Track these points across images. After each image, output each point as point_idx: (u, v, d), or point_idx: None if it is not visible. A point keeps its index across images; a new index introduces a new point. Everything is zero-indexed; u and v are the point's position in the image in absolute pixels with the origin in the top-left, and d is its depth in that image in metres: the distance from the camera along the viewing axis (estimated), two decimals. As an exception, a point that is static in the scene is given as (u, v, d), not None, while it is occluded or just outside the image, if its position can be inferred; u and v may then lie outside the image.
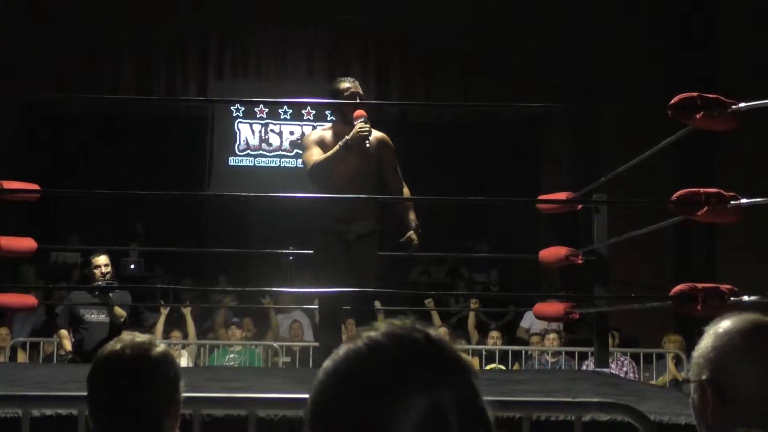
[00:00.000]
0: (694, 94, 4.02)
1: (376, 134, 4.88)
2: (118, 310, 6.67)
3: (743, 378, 1.41)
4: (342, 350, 0.93)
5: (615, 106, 11.78)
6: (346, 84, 4.97)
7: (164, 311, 8.35)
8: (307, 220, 5.02)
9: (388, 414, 0.87)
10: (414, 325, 0.94)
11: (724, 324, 1.49)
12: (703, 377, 1.46)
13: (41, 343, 8.32)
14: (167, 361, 1.91)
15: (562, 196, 5.98)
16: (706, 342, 1.49)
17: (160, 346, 1.93)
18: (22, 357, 8.38)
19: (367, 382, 0.89)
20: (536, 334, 8.97)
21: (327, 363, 0.93)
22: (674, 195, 4.17)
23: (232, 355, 8.24)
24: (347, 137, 4.71)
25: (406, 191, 5.08)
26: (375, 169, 4.95)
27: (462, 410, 0.89)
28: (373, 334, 0.93)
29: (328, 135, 4.91)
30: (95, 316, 6.74)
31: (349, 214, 4.81)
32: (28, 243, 5.79)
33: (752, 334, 1.45)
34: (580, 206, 6.36)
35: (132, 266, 11.80)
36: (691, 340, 8.65)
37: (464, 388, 0.91)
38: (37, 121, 12.45)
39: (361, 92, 4.97)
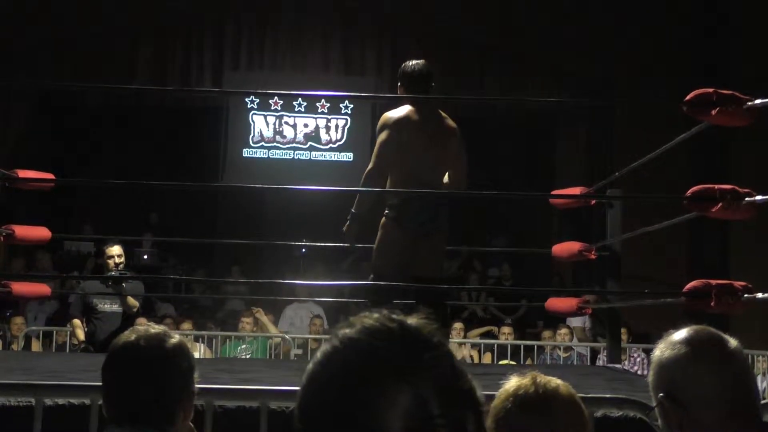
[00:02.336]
0: (710, 90, 4.00)
1: None
2: (131, 300, 6.70)
3: (696, 386, 1.41)
4: (319, 351, 0.94)
5: (630, 102, 11.74)
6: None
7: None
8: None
9: (370, 409, 0.87)
10: (388, 315, 0.94)
11: (673, 338, 1.49)
12: (658, 396, 1.46)
13: (54, 332, 8.37)
14: (181, 352, 1.92)
15: (576, 191, 5.97)
16: (657, 361, 1.49)
17: (175, 337, 1.94)
18: (36, 346, 8.43)
19: (345, 380, 0.89)
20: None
21: (308, 366, 0.94)
22: (689, 191, 4.15)
23: (244, 346, 8.27)
24: None
25: None
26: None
27: (444, 394, 0.88)
28: (347, 330, 0.93)
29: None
30: (108, 306, 6.78)
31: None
32: (42, 232, 5.82)
33: (699, 343, 1.45)
34: (593, 201, 6.34)
35: (145, 256, 11.84)
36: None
37: (443, 373, 0.90)
38: (52, 111, 12.50)
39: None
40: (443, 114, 4.83)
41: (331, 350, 0.92)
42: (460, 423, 0.89)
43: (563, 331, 8.64)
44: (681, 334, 1.50)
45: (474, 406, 0.92)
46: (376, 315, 0.94)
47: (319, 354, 0.94)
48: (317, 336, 8.69)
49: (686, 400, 1.42)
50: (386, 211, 4.65)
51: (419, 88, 4.65)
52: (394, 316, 0.94)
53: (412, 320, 0.93)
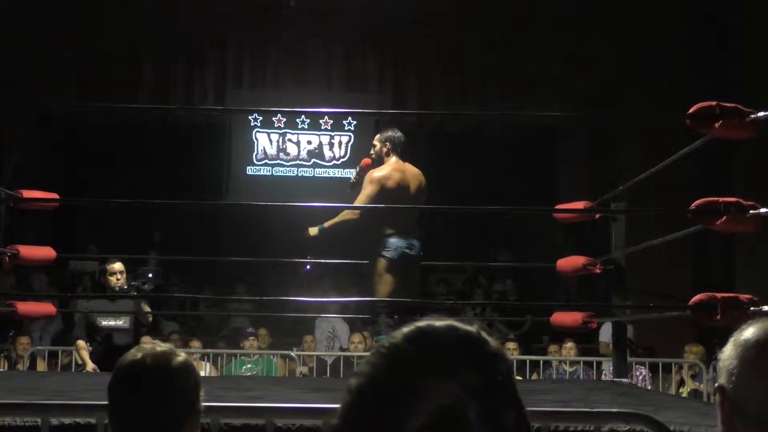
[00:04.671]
0: (713, 103, 4.00)
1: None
2: (145, 308, 6.74)
3: (752, 392, 1.41)
4: (378, 345, 0.97)
5: (633, 115, 11.74)
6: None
7: None
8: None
9: (412, 395, 0.90)
10: (445, 319, 0.97)
11: (746, 333, 1.48)
12: (717, 384, 1.46)
13: (59, 352, 8.36)
14: (187, 370, 1.92)
15: (579, 205, 5.96)
16: (727, 348, 1.48)
17: (181, 355, 1.94)
18: (41, 366, 8.42)
19: (393, 373, 0.93)
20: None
21: (372, 350, 0.97)
22: (693, 204, 4.15)
23: (249, 365, 8.25)
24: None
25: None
26: None
27: (487, 390, 0.92)
28: (404, 329, 0.97)
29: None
30: (112, 322, 6.77)
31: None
32: (47, 252, 5.82)
33: (759, 344, 1.44)
34: (598, 215, 6.33)
35: (150, 275, 11.83)
36: (711, 349, 8.60)
37: (492, 374, 0.93)
38: (55, 132, 12.53)
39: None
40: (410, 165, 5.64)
41: (388, 345, 0.95)
42: (497, 417, 0.92)
43: (568, 345, 8.61)
44: (750, 330, 1.49)
45: (517, 407, 0.95)
46: (434, 318, 0.97)
47: (376, 348, 0.97)
48: (322, 353, 8.69)
49: (738, 400, 1.43)
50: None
51: (403, 153, 5.55)
52: (459, 322, 0.97)
53: (476, 328, 0.97)
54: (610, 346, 9.05)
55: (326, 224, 5.42)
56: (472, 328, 0.96)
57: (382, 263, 5.27)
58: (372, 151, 5.61)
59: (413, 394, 0.90)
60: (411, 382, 0.91)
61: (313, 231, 5.43)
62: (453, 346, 0.94)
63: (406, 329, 0.96)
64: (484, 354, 0.95)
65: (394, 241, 5.28)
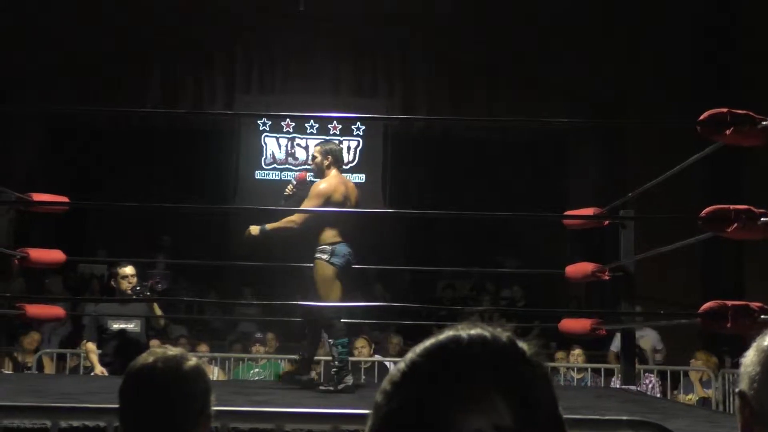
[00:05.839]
0: (724, 110, 3.99)
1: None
2: (158, 311, 6.77)
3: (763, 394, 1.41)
4: (418, 347, 0.89)
5: (642, 121, 11.73)
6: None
7: None
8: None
9: (454, 410, 0.83)
10: (487, 326, 0.90)
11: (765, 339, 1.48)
12: (737, 389, 1.46)
13: (68, 355, 8.38)
14: (199, 374, 1.92)
15: (589, 211, 5.96)
16: (749, 354, 1.48)
17: (192, 360, 1.94)
18: (49, 367, 8.44)
19: (435, 380, 0.85)
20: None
21: (400, 363, 0.90)
22: (703, 211, 4.14)
23: (256, 370, 8.25)
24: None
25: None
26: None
27: (529, 408, 0.85)
28: (447, 333, 0.89)
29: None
30: (123, 326, 6.79)
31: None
32: (56, 255, 5.84)
33: None
34: (607, 222, 6.32)
35: (157, 278, 11.85)
36: (720, 357, 8.58)
37: (534, 389, 0.86)
38: (65, 135, 12.57)
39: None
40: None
41: (431, 347, 0.88)
42: None
43: (576, 352, 8.59)
44: None
45: (557, 426, 0.88)
46: (475, 324, 0.90)
47: (415, 350, 0.89)
48: (328, 358, 8.67)
49: (757, 406, 1.42)
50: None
51: (341, 165, 5.77)
52: (495, 328, 0.90)
53: (514, 336, 0.90)
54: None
55: (268, 226, 5.58)
56: (504, 338, 0.88)
57: (330, 270, 5.46)
58: (312, 163, 5.74)
59: (465, 399, 0.83)
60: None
61: (255, 230, 5.61)
62: (482, 366, 0.85)
63: (428, 343, 0.88)
64: (521, 376, 0.86)
65: (341, 249, 5.48)
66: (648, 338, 8.84)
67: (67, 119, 12.15)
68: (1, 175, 9.41)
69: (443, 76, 12.31)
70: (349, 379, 5.43)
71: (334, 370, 5.44)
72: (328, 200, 5.47)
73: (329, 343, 5.60)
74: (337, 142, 5.90)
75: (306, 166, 12.42)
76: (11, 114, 11.20)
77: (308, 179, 5.82)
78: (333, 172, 5.60)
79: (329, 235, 5.48)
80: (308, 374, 5.88)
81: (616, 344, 8.76)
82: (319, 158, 5.65)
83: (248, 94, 12.27)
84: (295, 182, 5.80)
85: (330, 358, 5.63)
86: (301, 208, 5.53)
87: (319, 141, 6.06)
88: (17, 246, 5.84)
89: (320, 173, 5.62)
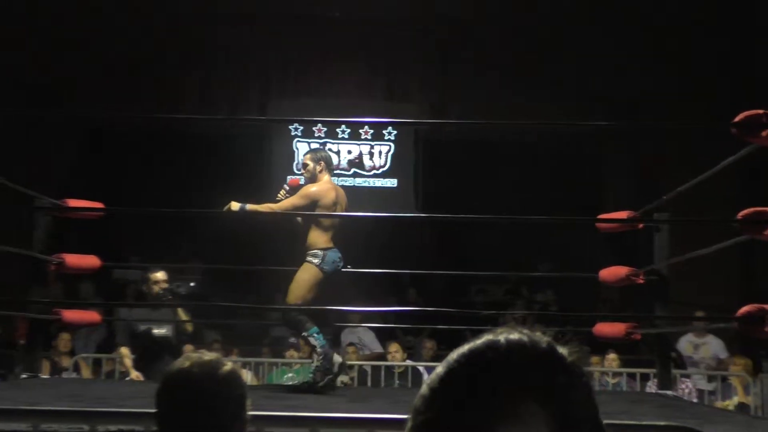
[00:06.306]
0: (760, 111, 3.95)
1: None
2: (183, 316, 6.81)
3: None
4: (454, 353, 0.88)
5: (676, 124, 11.63)
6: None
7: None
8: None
9: (491, 421, 0.81)
10: (528, 332, 0.88)
11: None
12: None
13: (103, 360, 8.47)
14: (234, 379, 1.93)
15: (622, 215, 5.92)
16: None
17: (228, 365, 1.95)
18: (86, 372, 8.52)
19: (472, 388, 0.83)
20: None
21: (438, 368, 0.88)
22: (740, 213, 4.10)
23: (290, 374, 8.27)
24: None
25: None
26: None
27: (570, 419, 0.83)
28: (486, 338, 0.87)
29: None
30: (155, 331, 6.84)
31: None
32: (92, 260, 5.90)
33: None
34: (641, 225, 6.27)
35: (192, 284, 11.93)
36: (757, 362, 8.48)
37: (575, 398, 0.85)
38: (100, 140, 12.68)
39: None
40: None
41: (468, 353, 0.87)
42: None
43: (611, 356, 8.54)
44: None
45: None
46: (515, 330, 0.88)
47: (453, 356, 0.88)
48: (363, 362, 8.68)
49: None
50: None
51: (332, 171, 5.93)
52: (534, 334, 0.89)
53: (554, 342, 0.88)
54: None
55: (248, 206, 5.64)
56: (544, 344, 0.86)
57: (317, 275, 5.59)
58: (303, 170, 5.83)
59: (503, 407, 0.81)
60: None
61: (235, 206, 5.64)
62: (520, 375, 0.83)
63: (466, 349, 0.87)
64: (561, 384, 0.84)
65: (332, 255, 5.63)
66: (709, 346, 8.71)
67: (101, 125, 12.26)
68: (37, 181, 9.53)
69: (475, 80, 12.28)
70: (335, 367, 5.58)
71: (320, 359, 5.51)
72: (315, 204, 5.60)
73: (303, 336, 5.66)
74: (325, 149, 6.13)
75: (339, 170, 12.48)
76: (49, 119, 11.32)
77: (301, 185, 5.88)
78: (325, 178, 5.74)
79: (322, 240, 5.62)
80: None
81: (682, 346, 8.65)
82: (311, 165, 5.76)
83: (281, 99, 12.32)
84: (287, 187, 5.88)
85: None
86: (288, 204, 5.66)
87: (308, 149, 6.17)
88: (53, 252, 5.89)
89: (312, 180, 5.73)
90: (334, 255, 5.65)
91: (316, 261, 5.59)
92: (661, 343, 5.85)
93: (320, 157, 5.82)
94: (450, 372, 0.86)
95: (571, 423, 0.83)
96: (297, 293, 5.63)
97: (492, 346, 0.86)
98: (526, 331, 0.88)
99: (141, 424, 2.82)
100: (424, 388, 0.87)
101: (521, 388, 0.82)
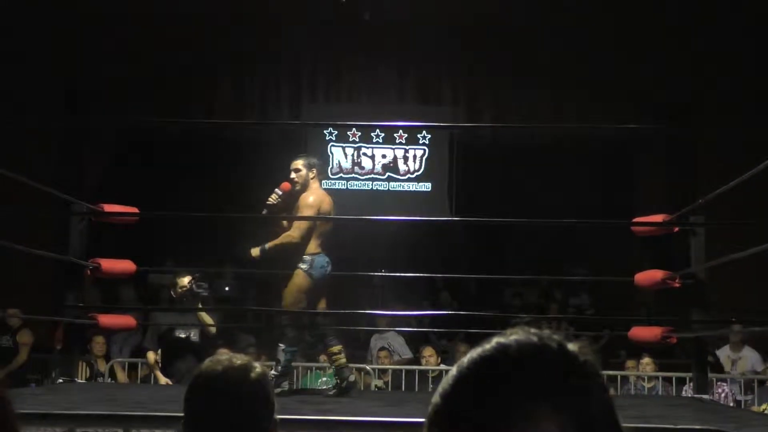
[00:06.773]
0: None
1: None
2: (207, 319, 6.85)
3: None
4: (466, 357, 0.87)
5: (713, 127, 11.50)
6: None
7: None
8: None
9: (504, 423, 0.80)
10: (543, 332, 0.87)
11: None
12: None
13: (139, 364, 8.54)
14: (265, 382, 1.93)
15: (658, 218, 5.87)
16: None
17: (258, 368, 1.94)
18: (121, 376, 8.59)
19: (486, 390, 0.82)
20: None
21: (453, 370, 0.87)
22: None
23: (324, 379, 8.28)
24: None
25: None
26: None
27: (585, 422, 0.82)
28: (498, 340, 0.86)
29: None
30: (183, 334, 6.89)
31: None
32: (127, 265, 5.94)
33: None
34: (677, 228, 6.21)
35: (227, 288, 11.98)
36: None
37: (590, 401, 0.83)
38: (134, 146, 12.77)
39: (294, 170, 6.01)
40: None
41: (478, 358, 0.85)
42: None
43: (645, 360, 8.46)
44: None
45: None
46: (530, 330, 0.87)
47: (464, 362, 0.86)
48: (396, 366, 8.68)
49: None
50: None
51: (322, 177, 6.16)
52: (550, 334, 0.87)
53: (570, 344, 0.86)
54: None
55: (267, 245, 5.77)
56: (555, 344, 0.85)
57: (306, 281, 5.68)
58: (295, 176, 5.89)
59: (517, 409, 0.80)
60: (517, 397, 0.80)
61: (255, 252, 5.81)
62: (530, 379, 0.82)
63: (476, 354, 0.85)
64: (572, 386, 0.83)
65: (320, 260, 5.70)
66: (746, 360, 8.58)
67: (135, 130, 12.34)
68: (74, 185, 9.63)
69: (509, 83, 12.22)
70: (285, 385, 5.73)
71: (274, 373, 5.54)
72: (317, 212, 5.71)
73: (279, 347, 5.68)
74: (314, 156, 6.30)
75: (373, 175, 12.49)
76: (84, 124, 11.42)
77: (295, 190, 5.92)
78: (316, 185, 5.87)
79: (311, 245, 5.70)
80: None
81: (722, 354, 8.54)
82: (303, 171, 5.86)
83: (314, 104, 12.34)
84: (279, 192, 5.91)
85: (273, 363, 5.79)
86: (298, 217, 5.73)
87: (299, 155, 6.35)
88: (90, 256, 5.95)
89: (305, 185, 5.82)
90: (322, 260, 5.71)
91: (304, 267, 5.67)
92: (697, 347, 5.79)
93: (313, 163, 5.94)
94: (459, 378, 0.85)
95: (586, 424, 0.82)
96: (288, 299, 5.72)
97: (502, 350, 0.85)
98: (535, 330, 0.87)
99: (175, 428, 2.83)
100: (435, 397, 0.86)
101: (533, 392, 0.81)
